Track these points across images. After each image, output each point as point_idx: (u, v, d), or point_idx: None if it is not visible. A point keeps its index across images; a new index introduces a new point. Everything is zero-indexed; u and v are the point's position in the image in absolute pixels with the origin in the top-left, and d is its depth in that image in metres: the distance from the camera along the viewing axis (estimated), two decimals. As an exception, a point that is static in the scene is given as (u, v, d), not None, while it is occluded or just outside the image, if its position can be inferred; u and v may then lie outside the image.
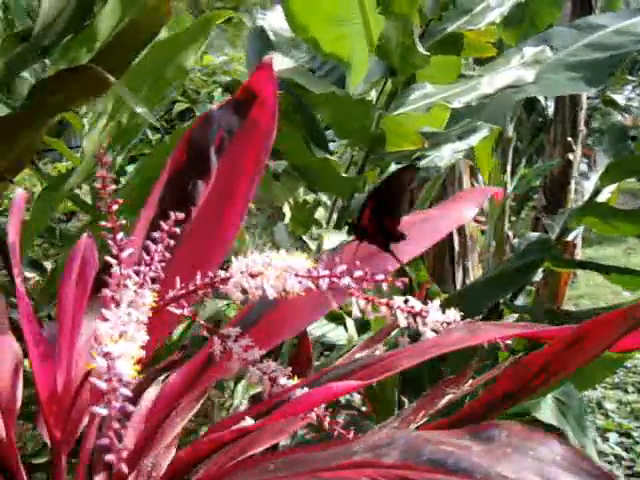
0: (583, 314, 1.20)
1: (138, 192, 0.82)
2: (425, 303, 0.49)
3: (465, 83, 1.19)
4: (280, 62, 0.88)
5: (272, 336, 0.52)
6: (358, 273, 0.41)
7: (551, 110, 3.83)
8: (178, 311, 0.48)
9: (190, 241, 0.55)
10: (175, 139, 0.92)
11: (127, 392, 0.33)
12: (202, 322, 0.48)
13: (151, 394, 0.61)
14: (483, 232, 2.51)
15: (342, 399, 0.99)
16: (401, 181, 0.53)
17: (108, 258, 0.45)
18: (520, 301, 1.53)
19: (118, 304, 0.42)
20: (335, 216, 1.09)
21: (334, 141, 1.13)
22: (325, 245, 0.82)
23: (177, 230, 0.52)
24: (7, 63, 0.75)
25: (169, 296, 0.47)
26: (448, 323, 0.49)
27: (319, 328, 1.00)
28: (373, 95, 1.20)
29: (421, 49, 0.94)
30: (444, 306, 0.50)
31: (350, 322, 0.95)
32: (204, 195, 0.56)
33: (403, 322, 0.48)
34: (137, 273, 0.44)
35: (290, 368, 0.50)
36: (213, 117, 0.58)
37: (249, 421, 0.46)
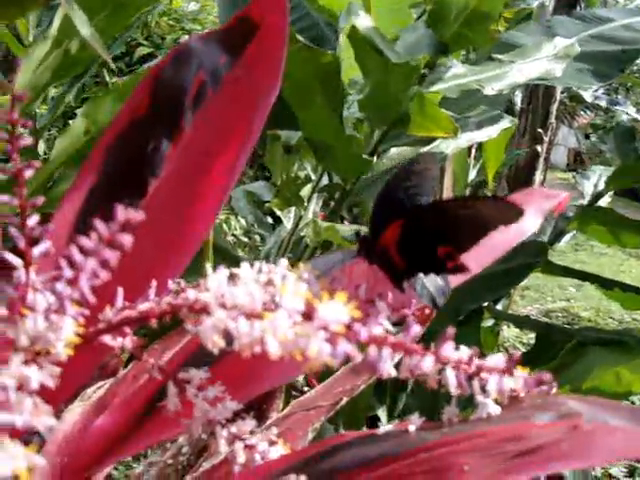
0: (580, 333, 1.07)
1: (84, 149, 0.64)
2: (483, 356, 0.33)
3: (498, 67, 1.04)
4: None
5: (246, 383, 0.35)
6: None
7: (518, 99, 3.74)
8: (115, 343, 0.31)
9: (144, 230, 0.38)
10: (135, 83, 0.74)
11: None
12: (152, 361, 0.31)
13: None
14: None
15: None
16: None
17: (8, 255, 0.27)
18: (500, 305, 1.40)
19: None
20: (317, 194, 0.92)
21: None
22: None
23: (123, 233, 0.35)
24: None
25: (102, 321, 0.30)
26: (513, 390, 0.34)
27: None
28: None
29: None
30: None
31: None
32: (170, 162, 0.39)
33: (454, 387, 0.32)
34: (53, 292, 0.27)
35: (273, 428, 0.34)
36: (192, 52, 0.40)
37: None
